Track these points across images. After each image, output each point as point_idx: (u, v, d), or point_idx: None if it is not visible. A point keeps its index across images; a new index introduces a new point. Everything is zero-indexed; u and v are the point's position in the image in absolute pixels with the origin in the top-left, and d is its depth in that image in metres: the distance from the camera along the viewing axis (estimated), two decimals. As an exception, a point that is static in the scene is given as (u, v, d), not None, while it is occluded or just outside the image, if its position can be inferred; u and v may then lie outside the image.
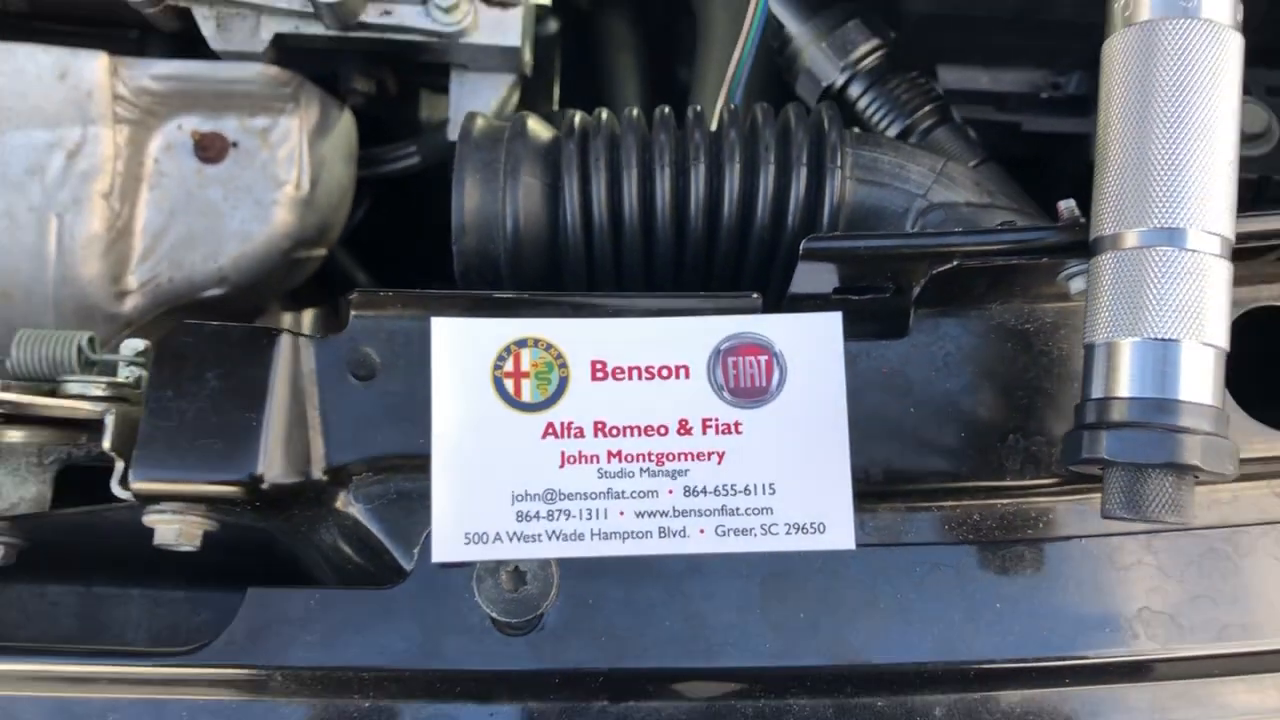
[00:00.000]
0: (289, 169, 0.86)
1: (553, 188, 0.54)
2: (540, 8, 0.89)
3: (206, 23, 0.79)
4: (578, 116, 0.56)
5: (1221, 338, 0.42)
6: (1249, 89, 0.75)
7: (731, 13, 0.91)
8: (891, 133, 0.67)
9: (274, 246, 0.85)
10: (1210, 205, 0.42)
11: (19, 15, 0.90)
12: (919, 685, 0.47)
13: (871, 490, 0.49)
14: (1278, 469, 0.48)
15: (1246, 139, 0.72)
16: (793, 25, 0.73)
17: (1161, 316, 0.42)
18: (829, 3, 0.73)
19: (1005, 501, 0.49)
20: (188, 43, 0.89)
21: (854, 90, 0.71)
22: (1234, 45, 0.44)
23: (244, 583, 0.49)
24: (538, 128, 0.57)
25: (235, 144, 0.87)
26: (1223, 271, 0.42)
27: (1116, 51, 0.44)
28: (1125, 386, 0.42)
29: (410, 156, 0.96)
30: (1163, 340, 0.42)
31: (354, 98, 0.90)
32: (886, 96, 0.69)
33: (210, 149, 0.87)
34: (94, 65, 0.83)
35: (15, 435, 0.51)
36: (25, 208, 0.83)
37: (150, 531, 0.51)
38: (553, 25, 0.98)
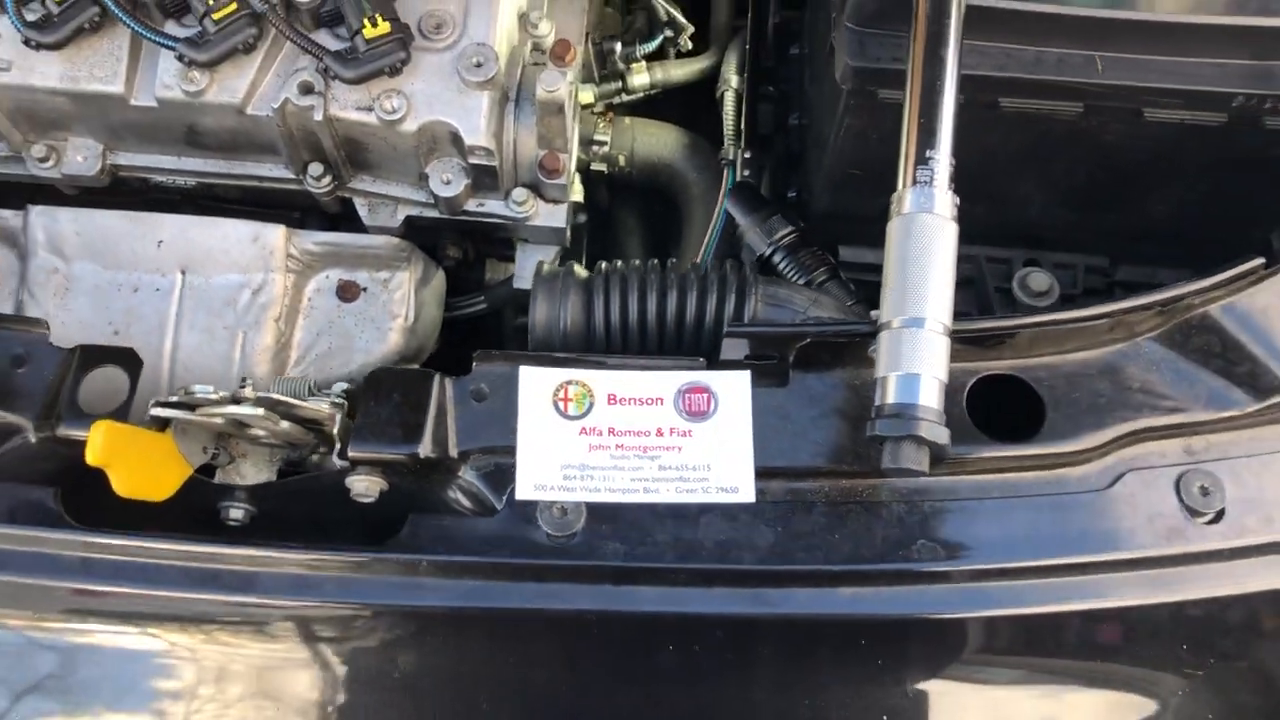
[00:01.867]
0: (400, 307, 1.25)
1: (589, 303, 0.94)
2: (577, 204, 1.31)
3: (361, 208, 1.21)
4: (604, 264, 0.97)
5: (942, 374, 0.80)
6: (1038, 261, 1.16)
7: (704, 210, 1.34)
8: (799, 283, 1.07)
9: (387, 359, 1.22)
10: (937, 307, 0.81)
11: (218, 199, 1.31)
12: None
13: (763, 471, 0.86)
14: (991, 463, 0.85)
15: (1035, 294, 1.12)
16: (741, 218, 1.14)
17: (912, 361, 0.80)
18: (764, 204, 1.15)
19: (845, 482, 0.86)
20: (331, 219, 1.31)
21: (776, 258, 1.11)
22: (951, 230, 0.83)
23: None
24: (578, 270, 0.97)
25: (365, 289, 1.26)
26: (944, 341, 0.81)
27: (893, 229, 0.84)
28: (892, 396, 0.79)
29: (479, 304, 1.37)
30: (912, 374, 0.80)
31: (446, 260, 1.31)
32: (796, 262, 1.09)
33: (348, 292, 1.27)
34: (276, 233, 1.22)
35: (281, 427, 0.88)
36: (221, 326, 1.21)
37: (344, 496, 0.88)
38: (582, 217, 1.41)
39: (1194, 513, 0.86)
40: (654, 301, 0.94)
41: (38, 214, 1.18)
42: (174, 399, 0.84)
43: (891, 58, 0.94)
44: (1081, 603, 0.83)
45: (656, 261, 0.98)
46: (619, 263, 0.99)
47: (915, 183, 0.83)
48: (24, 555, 0.83)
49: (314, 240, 1.20)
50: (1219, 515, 0.86)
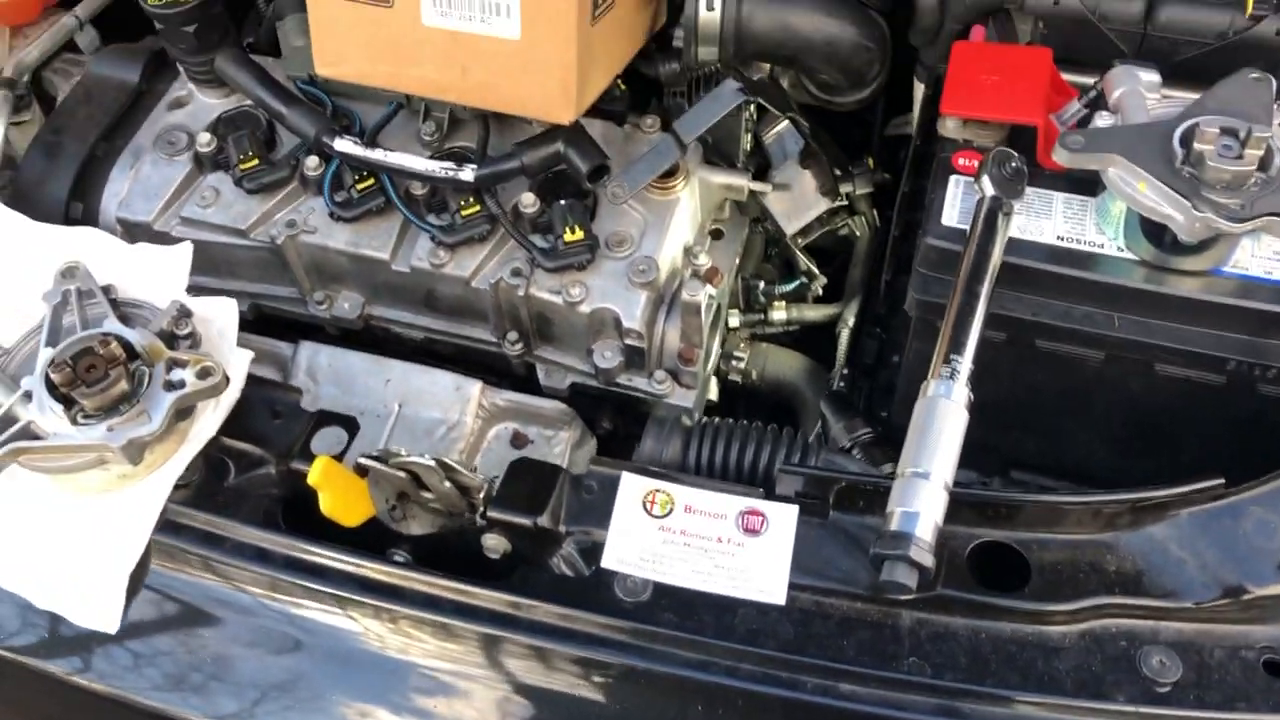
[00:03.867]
0: (557, 460, 1.56)
1: (686, 446, 1.23)
2: (711, 402, 1.60)
3: (540, 371, 1.54)
4: (704, 418, 1.26)
5: (939, 516, 1.03)
6: (1080, 493, 1.36)
7: (814, 420, 1.62)
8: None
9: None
10: (943, 467, 1.05)
11: (435, 354, 1.68)
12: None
13: (795, 584, 1.09)
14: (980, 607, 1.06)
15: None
16: (829, 415, 1.41)
17: (914, 502, 1.03)
18: (851, 409, 1.42)
19: (860, 604, 1.08)
20: (515, 382, 1.65)
21: (854, 452, 1.37)
22: (963, 416, 1.08)
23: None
24: (685, 419, 1.26)
25: (532, 441, 1.58)
26: (944, 494, 1.04)
27: (918, 408, 1.10)
28: (894, 525, 1.03)
29: (619, 472, 1.66)
30: (913, 511, 1.03)
31: (599, 430, 1.62)
32: (869, 456, 1.35)
33: (519, 441, 1.58)
34: (474, 386, 1.54)
35: (444, 487, 1.19)
36: (419, 450, 1.55)
37: (477, 550, 1.17)
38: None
39: (1151, 681, 1.03)
40: (736, 449, 1.21)
41: (305, 347, 1.56)
42: (375, 453, 1.16)
43: (947, 295, 1.22)
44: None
45: (745, 421, 1.26)
46: (716, 419, 1.27)
47: (939, 376, 1.10)
48: (249, 547, 1.15)
49: (501, 396, 1.53)
50: (1173, 687, 1.03)
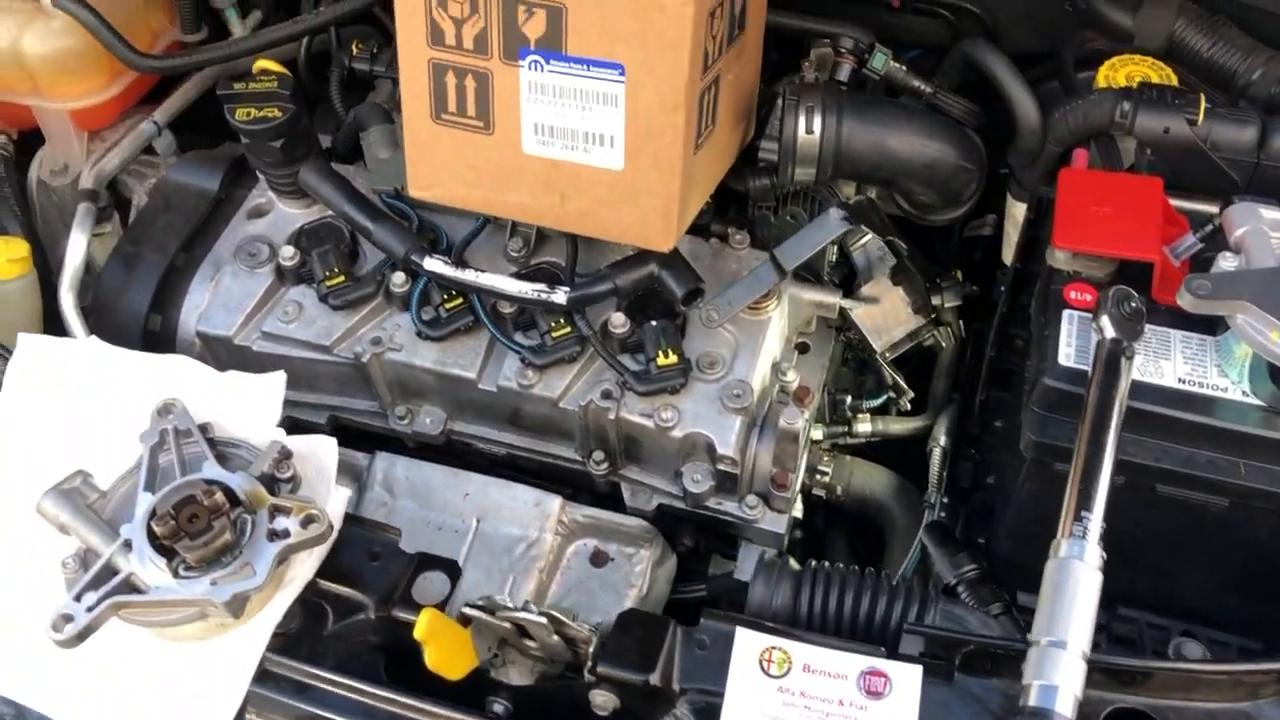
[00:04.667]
0: (638, 580, 1.50)
1: (797, 590, 1.18)
2: (795, 519, 1.57)
3: (626, 491, 1.50)
4: (813, 561, 1.22)
5: (1077, 690, 0.99)
6: (1194, 634, 1.32)
7: (904, 544, 1.58)
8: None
9: (618, 620, 1.49)
10: (1079, 635, 1.01)
11: (515, 466, 1.64)
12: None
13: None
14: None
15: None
16: (932, 549, 1.37)
17: (1053, 674, 0.99)
18: (954, 541, 1.38)
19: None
20: (595, 497, 1.62)
21: (960, 588, 1.31)
22: (1096, 578, 1.04)
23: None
24: (793, 562, 1.22)
25: (612, 559, 1.54)
26: (1082, 664, 1.00)
27: (1049, 569, 1.06)
28: (1033, 700, 0.99)
29: (700, 591, 1.62)
30: (1052, 685, 0.99)
31: (681, 548, 1.58)
32: (976, 595, 1.30)
33: (599, 559, 1.54)
34: (554, 502, 1.51)
35: (551, 640, 1.15)
36: (498, 568, 1.50)
37: (584, 707, 1.12)
38: (799, 532, 1.66)
39: None
40: (850, 598, 1.17)
41: (382, 459, 1.53)
42: (480, 602, 1.13)
43: (1066, 438, 1.18)
44: None
45: (857, 567, 1.22)
46: (826, 563, 1.24)
47: (1070, 535, 1.06)
48: (349, 701, 1.11)
49: (581, 512, 1.49)
50: None
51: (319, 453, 1.19)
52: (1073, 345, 1.23)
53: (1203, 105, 1.32)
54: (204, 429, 1.17)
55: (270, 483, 1.13)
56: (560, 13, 1.19)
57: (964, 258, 1.85)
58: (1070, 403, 1.19)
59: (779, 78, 1.74)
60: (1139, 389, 1.18)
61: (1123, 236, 1.26)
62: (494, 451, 1.55)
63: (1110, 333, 1.17)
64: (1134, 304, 1.18)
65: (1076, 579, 1.04)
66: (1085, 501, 1.08)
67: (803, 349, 1.58)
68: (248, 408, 1.25)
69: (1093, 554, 1.05)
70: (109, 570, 1.07)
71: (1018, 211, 1.51)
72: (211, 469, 1.12)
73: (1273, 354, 1.11)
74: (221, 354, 1.52)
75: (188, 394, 1.22)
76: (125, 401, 1.22)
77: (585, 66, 1.21)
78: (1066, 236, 1.27)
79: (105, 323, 1.51)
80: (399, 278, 1.46)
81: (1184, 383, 1.20)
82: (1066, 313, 1.26)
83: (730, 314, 1.39)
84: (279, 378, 1.27)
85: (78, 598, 1.05)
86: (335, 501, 1.18)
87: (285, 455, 1.15)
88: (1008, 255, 1.60)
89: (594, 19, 1.18)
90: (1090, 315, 1.23)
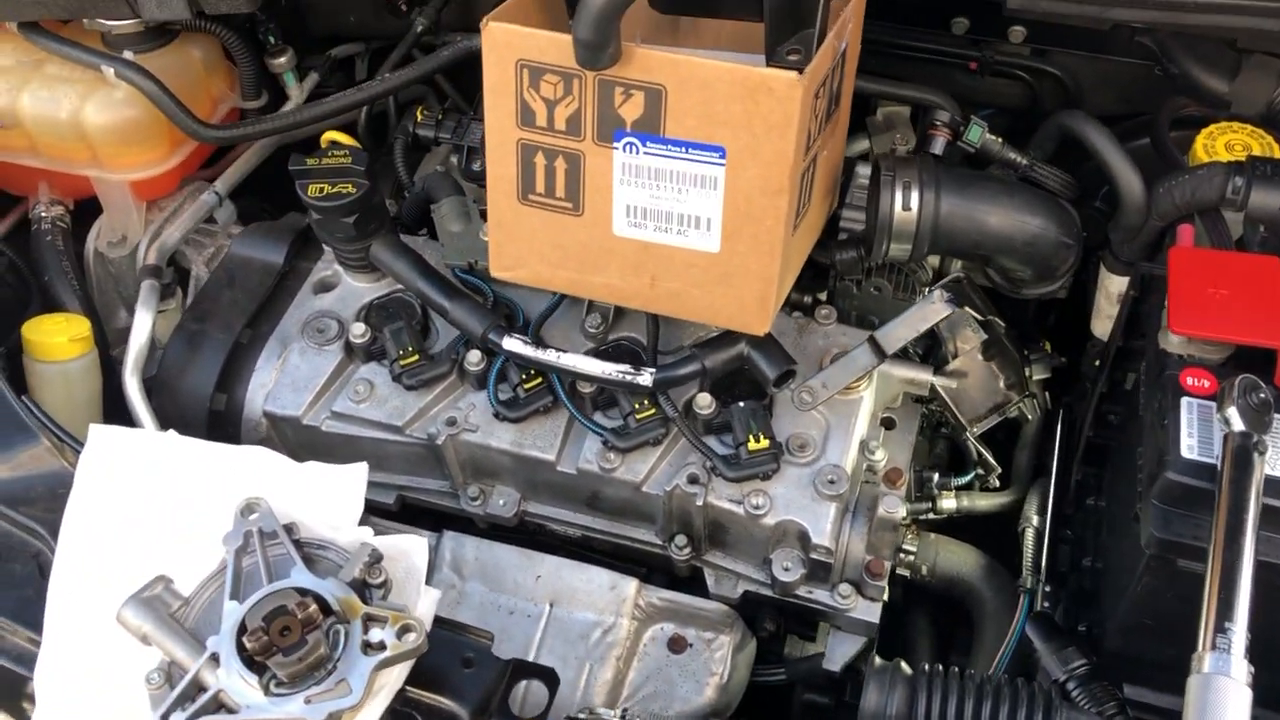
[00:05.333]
0: (719, 666, 1.44)
1: (913, 697, 1.12)
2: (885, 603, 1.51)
3: (710, 577, 1.44)
4: (926, 665, 1.16)
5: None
6: None
7: (995, 628, 1.51)
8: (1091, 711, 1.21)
9: (699, 710, 1.41)
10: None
11: (589, 547, 1.58)
12: None
13: None
14: None
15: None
16: (1039, 644, 1.31)
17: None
18: (1061, 634, 1.32)
19: None
20: (672, 579, 1.56)
21: (1070, 685, 1.26)
22: (1246, 694, 0.98)
23: None
24: (904, 666, 1.16)
25: (691, 645, 1.47)
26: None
27: (1193, 684, 1.00)
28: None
29: (780, 674, 1.56)
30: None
31: (761, 631, 1.52)
32: (1088, 692, 1.24)
33: (677, 645, 1.48)
34: (631, 585, 1.45)
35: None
36: (573, 655, 1.44)
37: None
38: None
39: None
40: (970, 706, 1.11)
41: (450, 538, 1.47)
42: (582, 715, 1.07)
43: (1192, 535, 1.12)
44: None
45: (974, 672, 1.16)
46: (939, 666, 1.17)
47: (1214, 648, 1.00)
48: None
49: (659, 596, 1.43)
50: None
51: (409, 553, 1.13)
52: (1194, 436, 1.18)
53: (1317, 181, 1.27)
54: (289, 529, 1.12)
55: (362, 589, 1.08)
56: (660, 95, 1.14)
57: (1040, 321, 1.80)
58: (1194, 497, 1.13)
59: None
60: (1272, 484, 1.12)
61: (1243, 320, 1.20)
62: (568, 533, 1.49)
63: (1239, 425, 1.11)
64: (1262, 394, 1.13)
65: (1225, 695, 0.98)
66: (1227, 611, 1.01)
67: (888, 424, 1.52)
68: (330, 502, 1.19)
69: (1240, 668, 0.99)
70: (196, 687, 1.02)
71: (1112, 285, 1.46)
72: (301, 575, 1.07)
73: None
74: (289, 434, 1.47)
75: (267, 488, 1.16)
76: (204, 499, 1.17)
77: (684, 149, 1.17)
78: (1183, 321, 1.21)
79: (168, 402, 1.46)
80: (475, 356, 1.41)
81: (1318, 477, 1.14)
82: (1185, 400, 1.20)
83: (825, 397, 1.34)
84: (361, 470, 1.22)
85: (164, 717, 1.00)
86: (425, 604, 1.13)
87: (377, 559, 1.09)
88: (1097, 326, 1.55)
89: (696, 101, 1.13)
90: (1210, 402, 1.18)
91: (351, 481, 1.22)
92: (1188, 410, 1.20)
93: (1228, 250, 1.31)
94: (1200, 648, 1.01)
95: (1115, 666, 1.31)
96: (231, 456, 1.23)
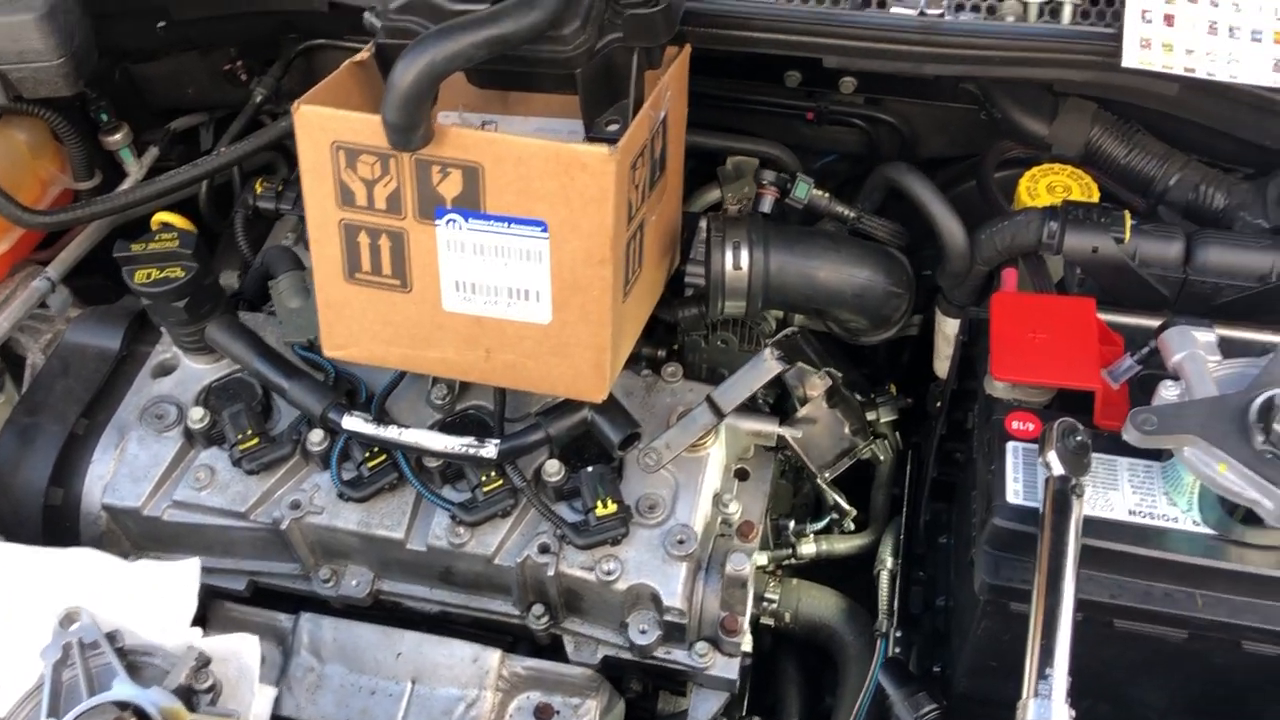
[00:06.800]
0: None
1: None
2: (746, 654, 1.51)
3: (569, 644, 1.43)
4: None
5: None
6: None
7: (858, 670, 1.53)
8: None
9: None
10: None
11: (451, 620, 1.56)
12: None
13: None
14: None
15: None
16: (891, 690, 1.33)
17: None
18: (912, 680, 1.34)
19: None
20: (536, 647, 1.54)
21: (920, 749, 1.29)
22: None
23: None
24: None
25: (558, 712, 1.46)
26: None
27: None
28: None
29: (654, 729, 1.55)
30: None
31: (629, 692, 1.52)
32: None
33: (544, 714, 1.45)
34: (493, 656, 1.43)
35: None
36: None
37: None
38: (748, 660, 1.60)
39: None
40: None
41: (306, 620, 1.44)
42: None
43: (1021, 579, 1.15)
44: None
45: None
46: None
47: (1036, 694, 1.02)
48: None
49: (522, 665, 1.41)
50: None
51: (240, 653, 1.11)
52: (1020, 480, 1.21)
53: (1128, 223, 1.32)
54: (113, 637, 1.08)
55: (188, 695, 1.05)
56: (477, 172, 1.14)
57: (893, 359, 1.84)
58: (1022, 542, 1.16)
59: (697, 186, 1.73)
60: (1091, 525, 1.15)
61: (1061, 364, 1.24)
62: (425, 610, 1.47)
63: (1058, 469, 1.14)
64: (1079, 437, 1.16)
65: (1047, 743, 1.00)
66: (1047, 658, 1.04)
67: (742, 475, 1.53)
68: (161, 601, 1.16)
69: (1060, 713, 1.01)
70: (11, 813, 0.98)
71: (947, 328, 1.50)
72: (123, 686, 1.03)
73: (1221, 487, 1.10)
74: (130, 527, 1.42)
75: (94, 592, 1.13)
76: (24, 609, 1.13)
77: (506, 224, 1.17)
78: (1004, 368, 1.24)
79: (1, 501, 1.41)
80: (317, 435, 1.38)
81: (1134, 514, 1.18)
82: (1010, 445, 1.23)
83: (669, 459, 1.34)
84: (193, 566, 1.19)
85: None
86: (260, 703, 1.10)
87: (204, 662, 1.06)
88: (939, 366, 1.58)
89: (513, 177, 1.13)
90: (1035, 445, 1.21)
91: (184, 579, 1.18)
92: (1013, 455, 1.23)
93: (1048, 293, 1.35)
94: (1025, 694, 1.03)
95: (966, 710, 1.33)
96: (56, 561, 1.19)
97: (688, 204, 1.71)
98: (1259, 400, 1.10)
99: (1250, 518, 1.13)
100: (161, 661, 1.08)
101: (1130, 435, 1.13)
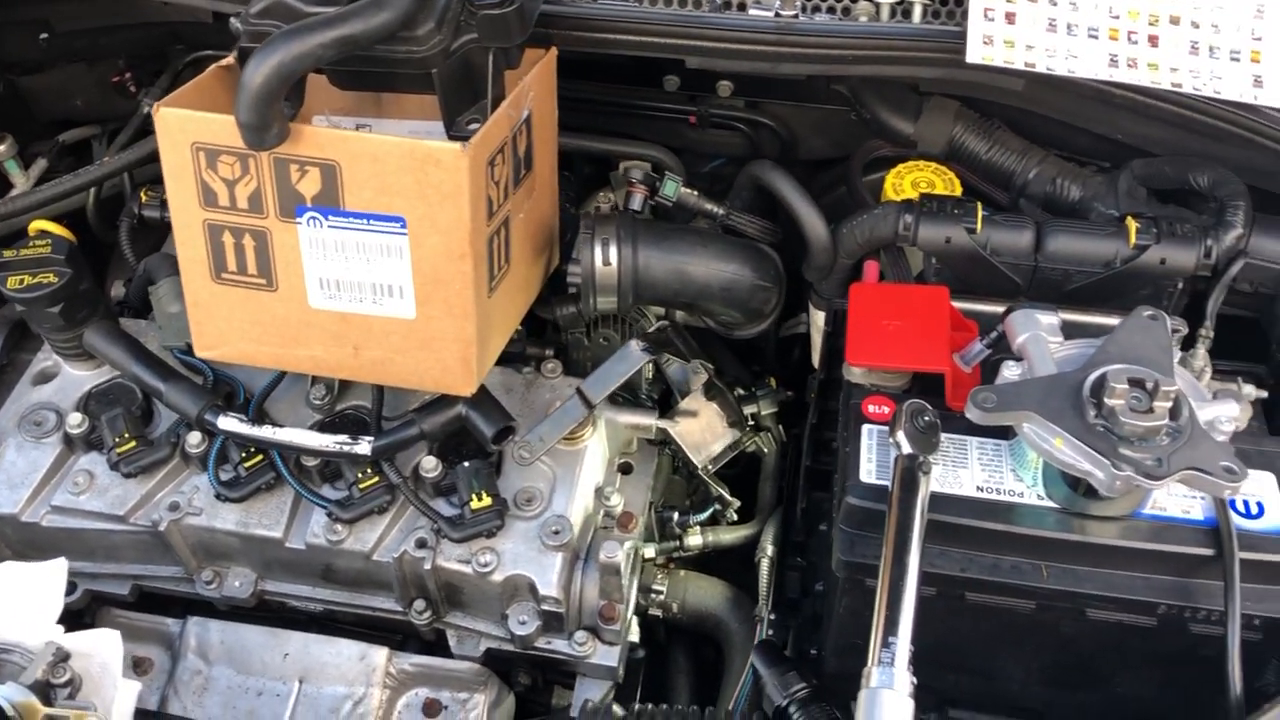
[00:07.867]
0: None
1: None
2: (633, 643, 1.53)
3: (452, 638, 1.44)
4: (637, 705, 1.19)
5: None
6: None
7: (743, 657, 1.55)
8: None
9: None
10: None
11: (337, 621, 1.57)
12: None
13: None
14: None
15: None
16: (763, 671, 1.35)
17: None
18: (784, 661, 1.37)
19: None
20: (427, 645, 1.56)
21: (791, 709, 1.29)
22: (908, 705, 1.04)
23: None
24: (616, 709, 1.19)
25: (446, 707, 1.47)
26: None
27: (861, 700, 1.05)
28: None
29: (547, 727, 1.57)
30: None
31: (518, 686, 1.53)
32: (807, 715, 1.29)
33: (432, 709, 1.47)
34: (380, 654, 1.44)
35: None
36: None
37: None
38: (640, 653, 1.63)
39: None
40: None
41: (194, 623, 1.45)
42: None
43: (874, 555, 1.18)
44: None
45: (695, 708, 1.19)
46: (649, 705, 1.21)
47: (880, 663, 1.05)
48: None
49: (409, 661, 1.43)
50: None
51: (101, 649, 1.11)
52: (874, 460, 1.25)
53: (980, 214, 1.37)
54: (-30, 636, 1.08)
55: (45, 689, 1.05)
56: (335, 170, 1.17)
57: (784, 356, 1.88)
58: (876, 519, 1.19)
59: (593, 192, 1.76)
60: (940, 501, 1.20)
61: (913, 349, 1.28)
62: (311, 609, 1.48)
63: (906, 448, 1.19)
64: (928, 418, 1.20)
65: (887, 709, 1.03)
66: (891, 627, 1.07)
67: (626, 469, 1.56)
68: (26, 601, 1.16)
69: (902, 680, 1.05)
70: None
71: (820, 320, 1.54)
72: (-23, 683, 1.04)
73: (1059, 461, 1.14)
74: (9, 534, 1.43)
75: (-44, 592, 1.13)
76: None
77: (366, 220, 1.19)
78: (859, 353, 1.29)
79: None
80: (195, 438, 1.39)
81: (982, 490, 1.22)
82: (866, 427, 1.27)
83: (542, 451, 1.37)
84: (59, 566, 1.19)
85: None
86: (124, 697, 1.11)
87: (62, 657, 1.07)
88: (815, 359, 1.62)
89: (370, 175, 1.16)
90: (889, 429, 1.25)
91: (49, 579, 1.19)
92: (868, 437, 1.27)
93: (905, 283, 1.39)
94: (869, 663, 1.07)
95: (838, 688, 1.36)
96: (-83, 564, 1.19)
97: (583, 207, 1.75)
98: (1092, 377, 1.15)
99: (1092, 491, 1.18)
100: (20, 659, 1.09)
101: (971, 413, 1.17)
